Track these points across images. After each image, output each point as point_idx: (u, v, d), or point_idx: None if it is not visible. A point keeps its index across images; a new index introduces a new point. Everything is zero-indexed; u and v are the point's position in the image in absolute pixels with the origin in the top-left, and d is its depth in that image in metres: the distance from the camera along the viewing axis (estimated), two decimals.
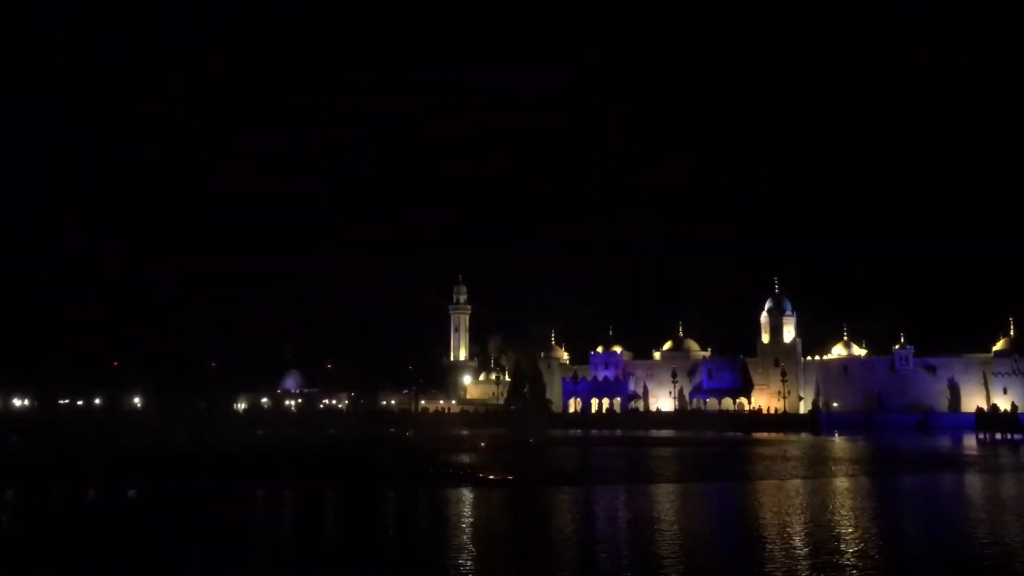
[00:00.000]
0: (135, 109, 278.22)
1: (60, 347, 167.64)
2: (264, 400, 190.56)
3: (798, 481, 54.80)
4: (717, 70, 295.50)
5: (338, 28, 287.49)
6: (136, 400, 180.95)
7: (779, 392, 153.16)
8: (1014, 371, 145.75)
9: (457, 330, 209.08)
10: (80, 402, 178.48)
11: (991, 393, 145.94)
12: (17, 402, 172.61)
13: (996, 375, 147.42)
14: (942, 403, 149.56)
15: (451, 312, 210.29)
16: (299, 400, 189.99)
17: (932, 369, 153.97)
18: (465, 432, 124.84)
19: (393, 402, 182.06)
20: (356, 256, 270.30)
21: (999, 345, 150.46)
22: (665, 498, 47.57)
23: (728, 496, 49.94)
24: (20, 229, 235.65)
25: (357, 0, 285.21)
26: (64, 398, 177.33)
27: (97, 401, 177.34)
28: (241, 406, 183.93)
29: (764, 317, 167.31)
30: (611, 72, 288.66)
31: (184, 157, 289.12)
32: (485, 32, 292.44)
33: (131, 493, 50.83)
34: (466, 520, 39.30)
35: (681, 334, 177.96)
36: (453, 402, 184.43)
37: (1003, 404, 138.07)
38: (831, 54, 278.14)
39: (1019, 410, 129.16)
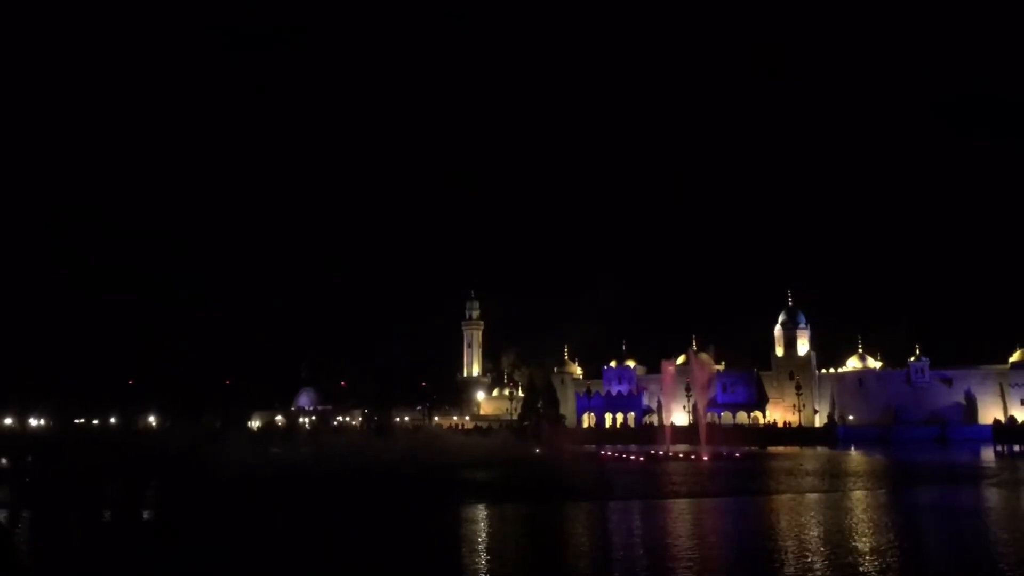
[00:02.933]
0: (136, 109, 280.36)
1: (74, 366, 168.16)
2: (278, 417, 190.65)
3: (816, 495, 54.43)
4: (721, 72, 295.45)
5: (338, 28, 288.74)
6: (151, 419, 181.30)
7: (794, 405, 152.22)
8: None
9: (470, 346, 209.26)
10: (96, 421, 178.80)
11: (1008, 405, 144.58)
12: (33, 422, 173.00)
13: (1013, 386, 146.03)
14: (959, 415, 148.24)
15: (464, 328, 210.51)
16: (313, 417, 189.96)
17: (948, 381, 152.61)
18: (477, 447, 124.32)
19: (407, 418, 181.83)
20: (367, 271, 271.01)
21: (1016, 356, 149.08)
22: (682, 513, 47.23)
23: (746, 511, 49.60)
24: (20, 229, 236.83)
25: (357, 0, 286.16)
26: (79, 417, 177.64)
27: (112, 420, 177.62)
28: (255, 424, 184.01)
29: (778, 330, 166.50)
30: (611, 73, 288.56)
31: (187, 159, 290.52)
32: (485, 32, 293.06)
33: (145, 515, 50.95)
34: (481, 538, 39.14)
35: (695, 348, 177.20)
36: (467, 418, 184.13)
37: (1021, 416, 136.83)
38: (838, 54, 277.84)
39: None
